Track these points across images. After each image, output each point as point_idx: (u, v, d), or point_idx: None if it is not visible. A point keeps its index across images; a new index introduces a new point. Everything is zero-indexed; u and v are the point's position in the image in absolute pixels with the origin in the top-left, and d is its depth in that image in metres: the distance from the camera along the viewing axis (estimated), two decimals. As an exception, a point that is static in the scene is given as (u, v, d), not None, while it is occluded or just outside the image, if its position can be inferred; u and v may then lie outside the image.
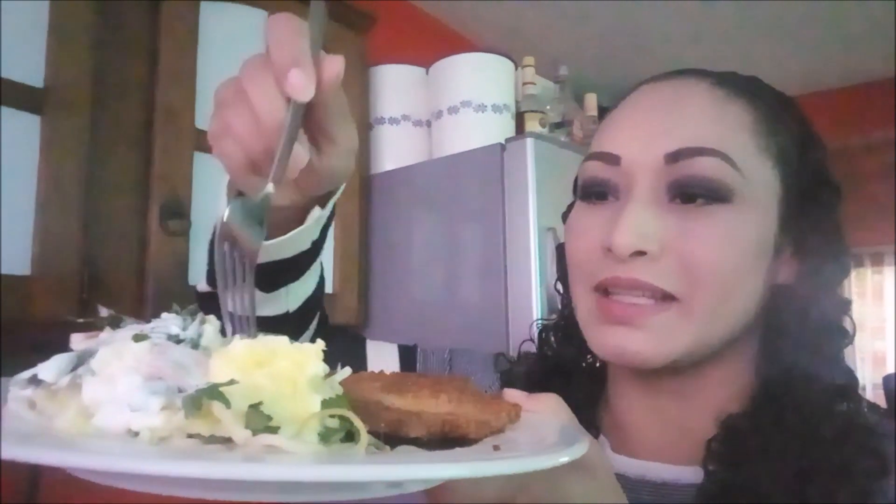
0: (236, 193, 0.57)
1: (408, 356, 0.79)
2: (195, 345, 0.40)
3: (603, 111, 0.68)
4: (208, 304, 0.48)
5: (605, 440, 0.66)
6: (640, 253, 0.55)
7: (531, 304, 1.47)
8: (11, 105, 1.08)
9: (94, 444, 0.32)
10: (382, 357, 0.78)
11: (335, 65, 0.47)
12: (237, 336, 0.41)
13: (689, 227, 0.55)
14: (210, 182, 1.24)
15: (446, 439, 0.38)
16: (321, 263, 0.65)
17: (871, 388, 3.80)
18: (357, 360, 0.72)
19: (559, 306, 0.75)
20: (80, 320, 0.45)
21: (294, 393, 0.33)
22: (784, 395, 0.56)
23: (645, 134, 0.58)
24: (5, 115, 1.07)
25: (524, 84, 1.96)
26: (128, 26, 1.27)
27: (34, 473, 1.27)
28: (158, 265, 1.25)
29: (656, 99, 0.61)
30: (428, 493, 0.41)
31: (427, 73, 1.90)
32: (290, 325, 0.63)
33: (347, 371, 0.40)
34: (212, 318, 0.44)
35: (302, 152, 0.48)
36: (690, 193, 0.56)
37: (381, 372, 0.45)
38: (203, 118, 1.34)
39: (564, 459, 0.34)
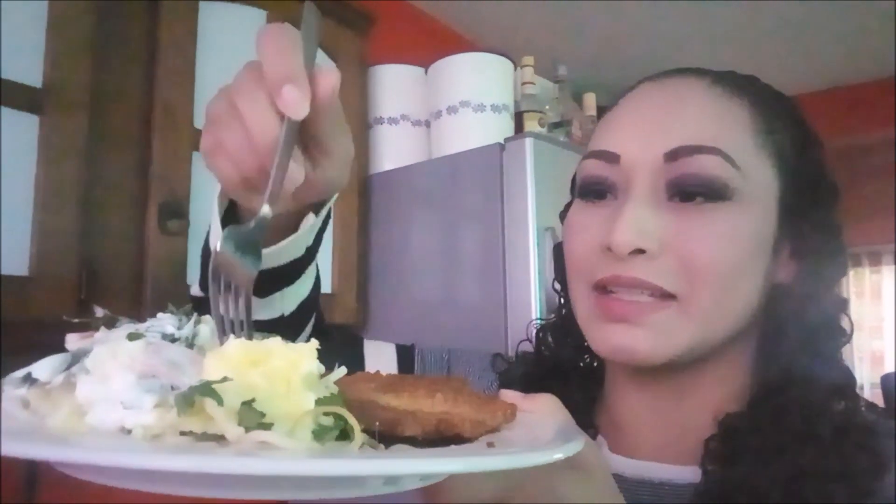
0: (229, 202, 0.57)
1: (405, 356, 0.79)
2: (190, 344, 0.40)
3: (602, 111, 0.68)
4: (202, 307, 0.48)
5: (603, 440, 0.66)
6: (640, 251, 0.55)
7: (530, 304, 1.47)
8: (10, 105, 1.08)
9: (85, 441, 0.32)
10: (380, 357, 0.78)
11: (330, 78, 0.46)
12: (231, 336, 0.41)
13: (688, 226, 0.55)
14: (209, 182, 1.24)
15: (441, 438, 0.38)
16: (317, 265, 0.64)
17: (868, 387, 3.81)
18: (354, 360, 0.72)
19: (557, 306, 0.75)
20: (77, 320, 0.45)
21: (288, 391, 0.33)
22: (782, 394, 0.56)
23: (644, 132, 0.58)
24: (4, 115, 1.07)
25: (523, 84, 1.96)
26: (127, 26, 1.27)
27: (32, 474, 1.27)
28: (157, 265, 1.25)
29: (655, 97, 0.61)
30: (424, 494, 0.41)
31: (426, 72, 1.90)
32: (285, 328, 0.62)
33: (343, 371, 0.40)
34: (207, 318, 0.44)
35: (297, 170, 0.47)
36: (689, 192, 0.56)
37: (377, 373, 0.45)
38: (202, 118, 1.34)
39: (559, 456, 0.34)
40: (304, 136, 0.48)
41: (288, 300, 0.61)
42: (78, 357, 0.37)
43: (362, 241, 1.75)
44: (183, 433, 0.32)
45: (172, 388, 0.33)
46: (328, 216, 0.60)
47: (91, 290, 1.14)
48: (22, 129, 1.09)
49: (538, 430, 0.41)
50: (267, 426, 0.32)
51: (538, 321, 0.79)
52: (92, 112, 1.16)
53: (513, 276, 1.51)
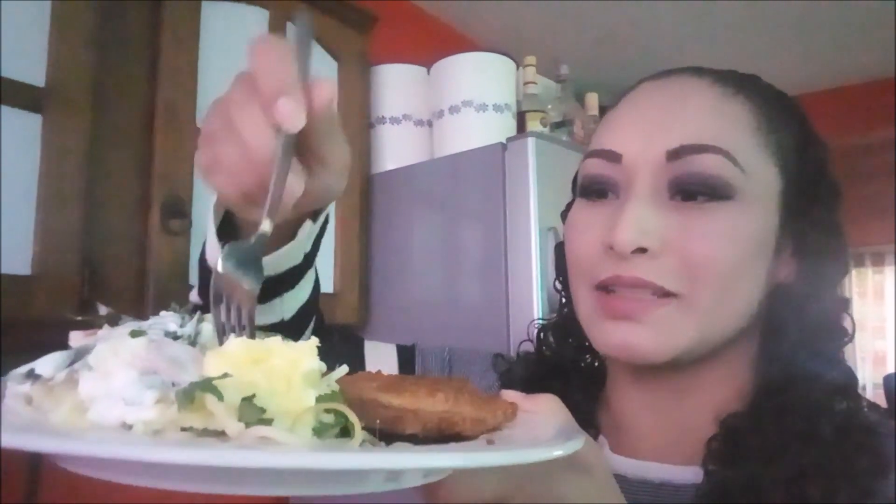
0: (225, 211, 0.56)
1: (406, 356, 0.79)
2: (192, 342, 0.40)
3: (604, 111, 0.68)
4: (203, 311, 0.48)
5: (604, 440, 0.66)
6: (642, 250, 0.55)
7: (532, 304, 1.47)
8: (12, 104, 1.08)
9: (86, 434, 0.32)
10: (380, 357, 0.78)
11: (326, 90, 0.45)
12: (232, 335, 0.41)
13: (690, 225, 0.55)
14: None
15: (442, 437, 0.38)
16: (315, 268, 0.64)
17: (871, 387, 3.81)
18: (355, 361, 0.72)
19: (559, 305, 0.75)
20: (80, 318, 0.45)
21: (288, 389, 0.33)
22: (784, 394, 0.56)
23: (646, 131, 0.58)
24: (6, 114, 1.07)
25: (525, 83, 1.96)
26: (129, 25, 1.27)
27: (34, 473, 1.27)
28: (159, 264, 1.25)
29: (657, 96, 0.61)
30: (424, 493, 0.41)
31: (428, 72, 1.90)
32: (285, 332, 0.62)
33: (344, 369, 0.40)
34: (209, 316, 0.44)
35: (297, 181, 0.46)
36: (691, 191, 0.56)
37: (379, 373, 0.45)
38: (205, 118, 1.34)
39: (558, 453, 0.34)
40: (300, 146, 0.47)
41: (288, 305, 0.61)
42: (81, 354, 0.37)
43: (364, 240, 1.75)
44: (184, 429, 0.32)
45: (174, 385, 0.33)
46: (326, 222, 0.59)
47: (93, 290, 1.14)
48: (24, 128, 1.09)
49: (539, 430, 0.41)
50: (268, 422, 0.32)
51: (539, 321, 0.79)
52: (94, 111, 1.16)
53: (515, 276, 1.51)
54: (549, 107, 1.93)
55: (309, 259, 0.60)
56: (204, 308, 0.47)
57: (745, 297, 0.58)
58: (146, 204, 1.26)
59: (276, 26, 1.55)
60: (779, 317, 0.59)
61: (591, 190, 0.62)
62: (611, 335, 0.58)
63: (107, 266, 1.18)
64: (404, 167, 1.80)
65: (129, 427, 0.32)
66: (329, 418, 0.34)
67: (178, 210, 1.28)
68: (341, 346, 0.75)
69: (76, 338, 0.41)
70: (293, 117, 0.43)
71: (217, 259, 0.45)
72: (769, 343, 0.60)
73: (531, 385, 0.67)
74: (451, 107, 1.79)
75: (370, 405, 0.39)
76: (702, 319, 0.56)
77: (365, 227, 1.76)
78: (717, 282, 0.55)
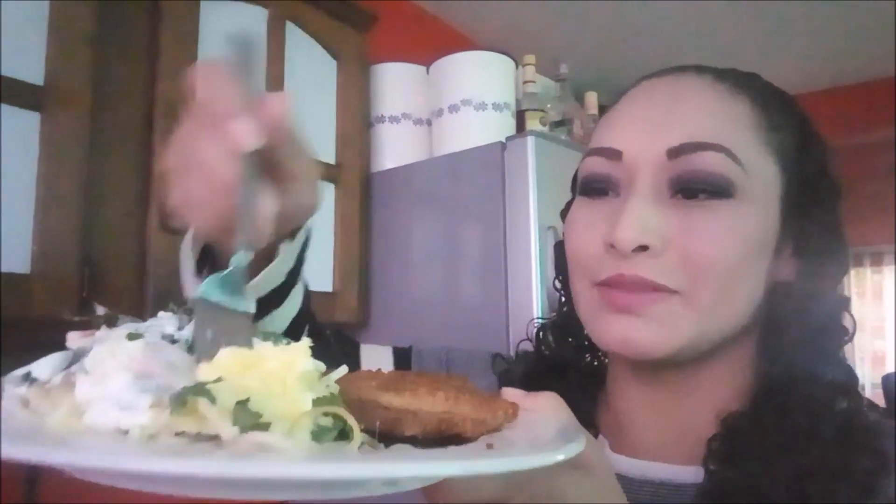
0: (202, 247, 0.54)
1: (402, 359, 0.79)
2: (190, 347, 0.39)
3: (603, 110, 0.68)
4: None
5: (604, 439, 0.66)
6: (643, 248, 0.55)
7: (531, 303, 1.47)
8: (11, 102, 1.07)
9: (79, 442, 0.31)
10: (377, 361, 0.77)
11: (277, 103, 0.44)
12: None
13: (692, 223, 0.55)
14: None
15: (442, 438, 0.38)
16: (304, 278, 0.62)
17: (870, 387, 3.81)
18: (351, 366, 0.72)
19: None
20: (78, 319, 0.45)
21: (284, 391, 0.33)
22: (785, 393, 0.56)
23: (646, 129, 0.58)
24: (5, 113, 1.07)
25: (525, 82, 1.96)
26: (128, 24, 1.27)
27: (33, 473, 1.27)
28: (158, 263, 1.25)
29: (657, 94, 0.61)
30: (424, 493, 0.41)
31: (428, 71, 1.90)
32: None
33: (343, 370, 0.39)
34: None
35: (268, 203, 0.45)
36: (692, 189, 0.56)
37: (378, 370, 0.44)
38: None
39: (560, 457, 0.33)
40: (266, 165, 0.46)
41: (278, 321, 0.59)
42: (78, 356, 0.37)
43: (363, 239, 1.75)
44: (179, 434, 0.31)
45: (169, 389, 0.33)
46: (308, 237, 0.58)
47: (92, 288, 1.14)
48: (23, 126, 1.09)
49: (540, 430, 0.40)
50: (264, 426, 0.31)
51: (538, 320, 0.79)
52: (93, 110, 1.16)
53: (514, 275, 1.51)
54: (549, 106, 1.93)
55: (294, 274, 0.58)
56: None
57: (745, 295, 0.57)
58: (145, 203, 1.26)
59: (276, 25, 1.55)
60: (779, 315, 0.59)
61: (592, 188, 0.61)
62: (610, 329, 0.58)
63: (106, 265, 1.18)
64: (404, 166, 1.80)
65: (126, 432, 0.32)
66: (327, 421, 0.33)
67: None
68: (338, 351, 0.74)
69: (74, 339, 0.41)
70: (246, 136, 0.42)
71: (195, 293, 0.44)
72: (769, 342, 0.60)
73: (530, 384, 0.66)
74: (451, 106, 1.79)
75: (369, 406, 0.38)
76: (702, 317, 0.56)
77: (364, 226, 1.76)
78: (717, 280, 0.55)
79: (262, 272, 0.53)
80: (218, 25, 1.42)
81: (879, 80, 3.03)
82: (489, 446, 0.36)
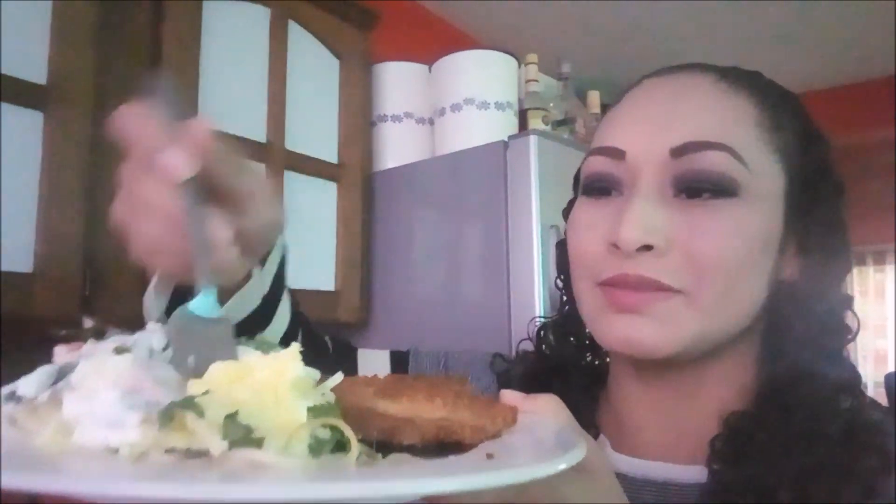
0: (172, 289, 0.53)
1: (400, 363, 0.78)
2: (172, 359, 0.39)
3: (606, 109, 0.68)
4: None
5: (606, 440, 0.65)
6: (647, 248, 0.55)
7: (534, 302, 1.47)
8: (14, 101, 1.08)
9: (68, 465, 0.30)
10: (373, 367, 0.77)
11: (199, 125, 0.44)
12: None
13: (695, 222, 0.55)
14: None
15: (441, 445, 0.37)
16: (288, 291, 0.61)
17: (872, 386, 3.80)
18: (348, 372, 0.72)
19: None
20: (64, 333, 0.45)
21: (276, 401, 0.32)
22: (788, 392, 0.56)
23: (650, 128, 0.58)
24: (8, 112, 1.07)
25: (527, 81, 1.95)
26: (130, 22, 1.27)
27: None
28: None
29: (660, 93, 0.61)
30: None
31: (430, 70, 1.90)
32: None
33: (339, 377, 0.38)
34: None
35: (221, 229, 0.45)
36: (696, 188, 0.56)
37: (375, 376, 0.44)
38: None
39: (562, 467, 0.32)
40: (210, 190, 0.45)
41: (269, 337, 0.58)
42: (64, 372, 0.36)
43: (365, 239, 1.75)
44: (169, 451, 0.31)
45: (158, 405, 0.32)
46: (284, 258, 0.57)
47: (95, 287, 1.14)
48: (25, 125, 1.09)
49: (540, 434, 0.40)
50: (258, 441, 0.31)
51: (539, 319, 0.79)
52: (95, 109, 1.16)
53: (516, 274, 1.51)
54: (551, 105, 1.93)
55: (275, 295, 0.57)
56: None
57: (749, 294, 0.57)
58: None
59: (278, 24, 1.55)
60: (783, 314, 0.59)
61: (594, 187, 0.61)
62: (613, 328, 0.57)
63: (108, 264, 1.18)
64: (406, 165, 1.80)
65: (115, 450, 0.31)
66: (325, 433, 0.32)
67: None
68: (334, 357, 0.74)
69: (60, 353, 0.40)
70: (178, 165, 0.42)
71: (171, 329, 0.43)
72: (773, 341, 0.60)
73: (531, 384, 0.66)
74: (453, 105, 1.78)
75: (367, 414, 0.38)
76: (705, 316, 0.55)
77: (366, 226, 1.76)
78: (721, 279, 0.55)
79: (232, 299, 0.52)
80: (220, 24, 1.42)
81: (879, 79, 3.03)
82: (489, 455, 0.34)
